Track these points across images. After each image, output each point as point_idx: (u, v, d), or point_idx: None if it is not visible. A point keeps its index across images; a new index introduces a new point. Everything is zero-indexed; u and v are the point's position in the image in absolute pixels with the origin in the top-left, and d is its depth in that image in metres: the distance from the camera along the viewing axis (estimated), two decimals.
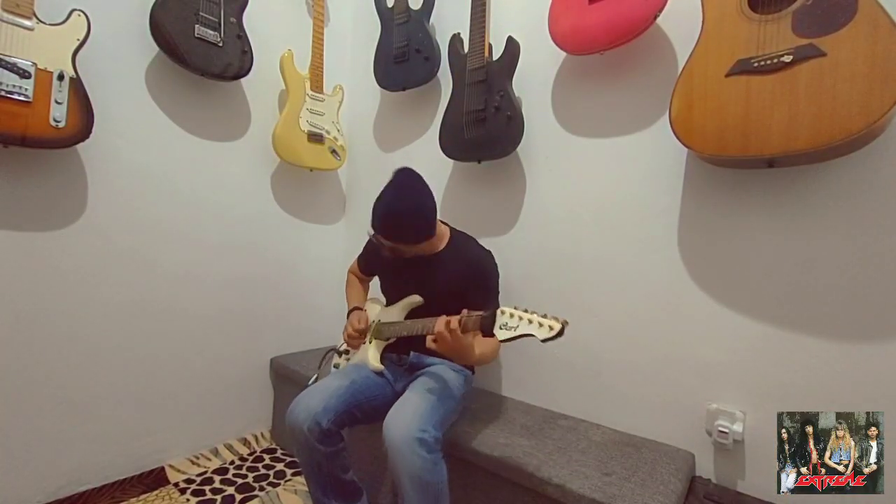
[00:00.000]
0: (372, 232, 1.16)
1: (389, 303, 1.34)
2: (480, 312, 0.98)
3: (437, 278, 1.24)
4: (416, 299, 1.24)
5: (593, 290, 1.36)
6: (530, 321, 0.89)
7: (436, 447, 0.99)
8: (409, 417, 1.00)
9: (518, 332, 0.90)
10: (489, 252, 1.28)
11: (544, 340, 0.86)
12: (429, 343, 1.03)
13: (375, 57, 1.83)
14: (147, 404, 1.51)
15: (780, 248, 1.07)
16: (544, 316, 0.88)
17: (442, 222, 1.31)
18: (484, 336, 0.99)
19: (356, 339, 1.30)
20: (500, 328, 0.93)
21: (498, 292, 1.26)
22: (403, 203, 1.12)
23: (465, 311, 1.01)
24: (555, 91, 1.47)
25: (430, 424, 1.00)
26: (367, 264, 1.48)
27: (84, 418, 1.37)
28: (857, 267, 0.98)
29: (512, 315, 0.92)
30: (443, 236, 1.29)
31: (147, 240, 1.49)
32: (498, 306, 1.20)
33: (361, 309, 1.39)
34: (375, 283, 1.46)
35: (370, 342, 1.29)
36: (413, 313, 1.25)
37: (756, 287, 1.10)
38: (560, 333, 0.85)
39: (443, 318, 1.01)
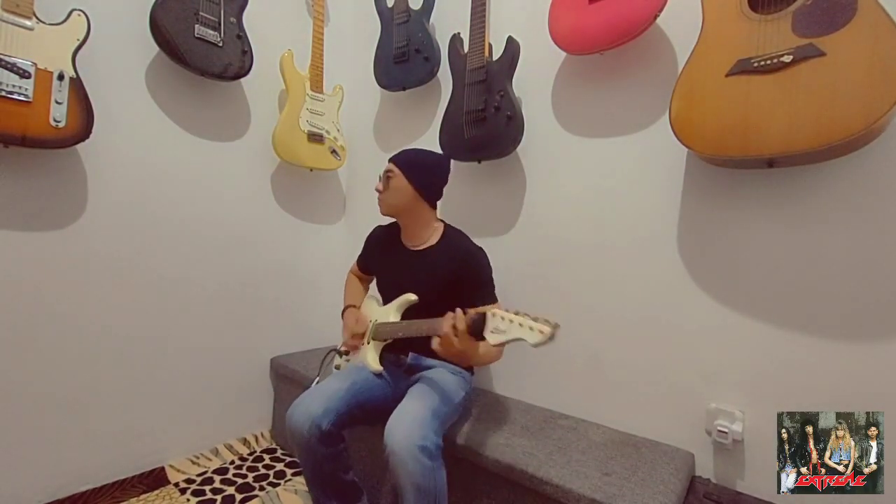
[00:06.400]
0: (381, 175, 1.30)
1: (385, 301, 1.34)
2: (470, 316, 0.96)
3: (430, 273, 1.25)
4: (410, 298, 1.24)
5: (593, 290, 1.36)
6: (521, 324, 0.85)
7: (437, 454, 0.99)
8: (409, 425, 1.00)
9: (509, 337, 0.87)
10: (480, 248, 1.29)
11: (535, 345, 0.83)
12: (435, 346, 1.01)
13: (375, 57, 1.83)
14: (147, 404, 1.51)
15: (780, 248, 1.07)
16: (535, 319, 0.84)
17: (440, 220, 1.35)
18: (475, 339, 0.97)
19: (354, 343, 1.31)
20: (492, 332, 0.90)
21: (493, 286, 1.25)
22: (432, 153, 1.33)
23: (470, 311, 0.99)
24: (555, 91, 1.47)
25: (430, 431, 1.00)
26: (365, 261, 1.49)
27: (84, 418, 1.37)
28: (856, 266, 0.98)
29: (503, 318, 0.88)
30: (437, 230, 1.32)
31: (147, 239, 1.49)
32: (495, 300, 1.21)
33: (355, 307, 1.40)
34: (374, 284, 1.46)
35: (368, 343, 1.29)
36: (408, 312, 1.25)
37: (756, 287, 1.10)
38: (551, 338, 0.82)
39: (448, 319, 0.99)
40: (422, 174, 1.27)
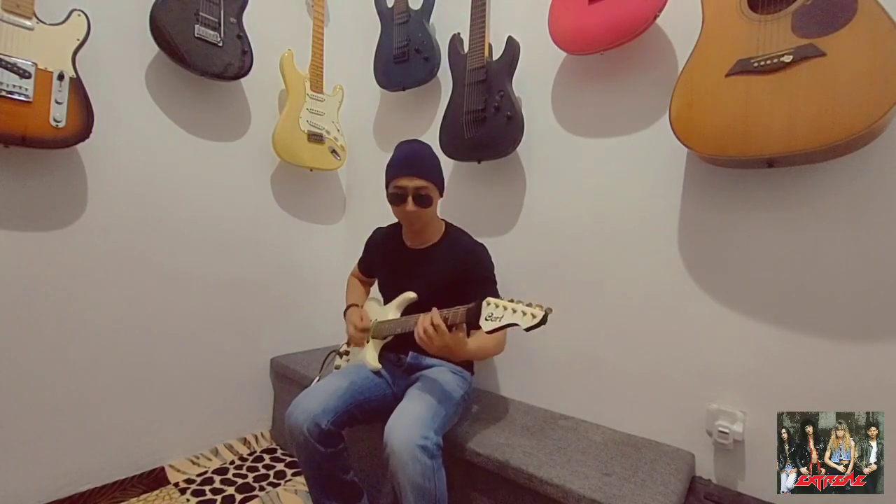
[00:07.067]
0: (387, 187, 1.23)
1: (387, 301, 1.34)
2: (466, 305, 0.99)
3: (432, 271, 1.25)
4: (409, 296, 1.24)
5: (593, 290, 1.36)
6: (514, 310, 0.89)
7: (437, 453, 0.99)
8: (410, 424, 1.00)
9: (502, 322, 0.91)
10: (482, 244, 1.30)
11: (527, 329, 0.87)
12: (418, 341, 1.03)
13: (375, 57, 1.83)
14: (147, 404, 1.51)
15: (780, 248, 1.07)
16: (528, 305, 0.88)
17: (441, 218, 1.35)
18: (471, 328, 0.99)
19: (359, 337, 1.31)
20: (486, 319, 0.94)
21: (495, 281, 1.26)
22: (422, 145, 1.26)
23: (457, 307, 1.02)
24: (555, 91, 1.47)
25: (431, 430, 1.00)
26: (366, 263, 1.49)
27: (84, 418, 1.37)
28: (857, 267, 0.98)
29: (497, 305, 0.92)
30: (439, 229, 1.32)
31: (147, 240, 1.49)
32: (497, 295, 1.21)
33: (358, 306, 1.40)
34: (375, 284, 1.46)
35: (368, 342, 1.29)
36: (409, 310, 1.25)
37: (756, 287, 1.10)
38: (543, 321, 0.86)
39: (426, 317, 1.02)
40: (440, 177, 1.26)
